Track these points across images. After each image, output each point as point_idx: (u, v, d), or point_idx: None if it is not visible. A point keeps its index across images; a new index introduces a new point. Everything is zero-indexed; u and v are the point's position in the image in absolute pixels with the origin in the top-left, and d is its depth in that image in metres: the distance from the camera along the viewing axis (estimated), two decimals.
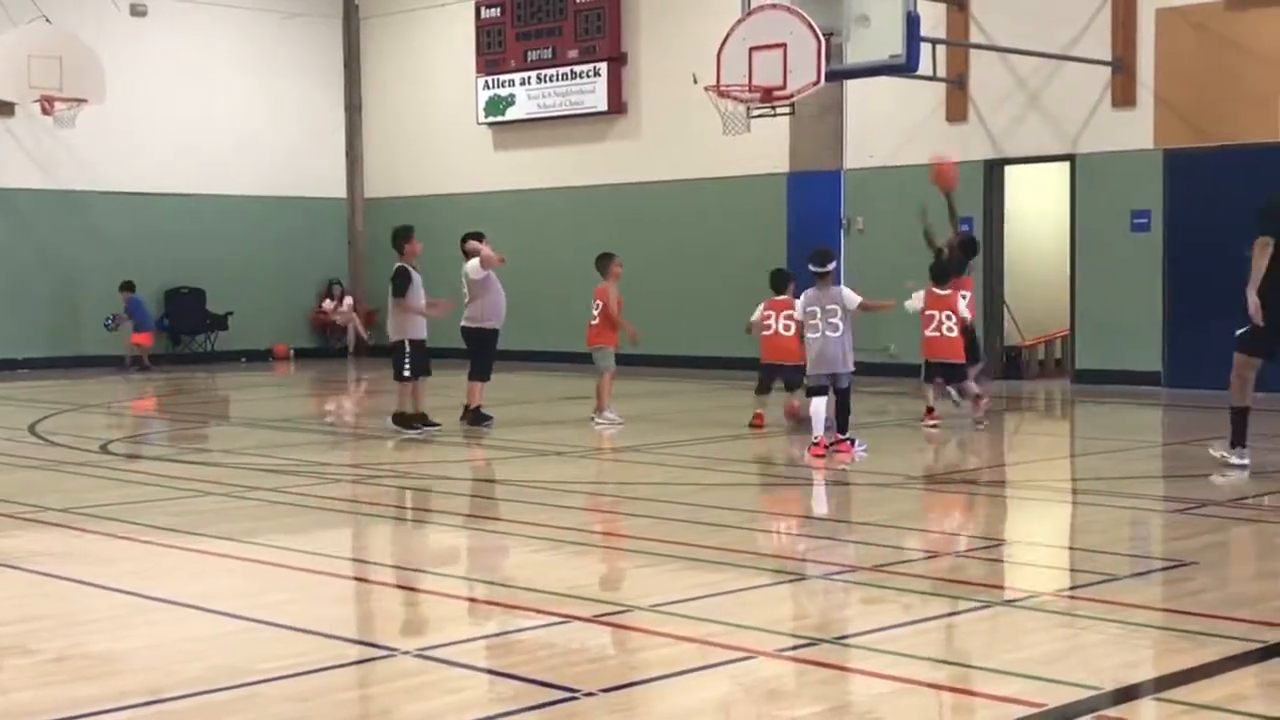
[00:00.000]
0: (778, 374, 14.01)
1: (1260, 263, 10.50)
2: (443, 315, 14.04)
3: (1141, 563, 7.76)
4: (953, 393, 14.40)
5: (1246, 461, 10.56)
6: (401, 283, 13.52)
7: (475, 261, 14.11)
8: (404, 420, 13.62)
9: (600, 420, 14.20)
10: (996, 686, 5.21)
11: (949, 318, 13.89)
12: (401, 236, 13.79)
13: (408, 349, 13.51)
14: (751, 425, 13.76)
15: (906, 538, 8.76)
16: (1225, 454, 10.69)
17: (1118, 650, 5.80)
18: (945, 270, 14.23)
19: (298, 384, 21.91)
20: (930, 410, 13.94)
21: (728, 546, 8.12)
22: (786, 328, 13.65)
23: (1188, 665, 5.51)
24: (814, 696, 5.26)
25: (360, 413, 18.01)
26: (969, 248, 15.19)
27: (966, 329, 14.30)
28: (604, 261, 14.63)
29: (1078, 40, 18.03)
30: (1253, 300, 10.47)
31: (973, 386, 14.21)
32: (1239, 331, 10.75)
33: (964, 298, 14.37)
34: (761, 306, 14.00)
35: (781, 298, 13.82)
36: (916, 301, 14.05)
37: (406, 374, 13.53)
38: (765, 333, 13.94)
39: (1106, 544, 8.17)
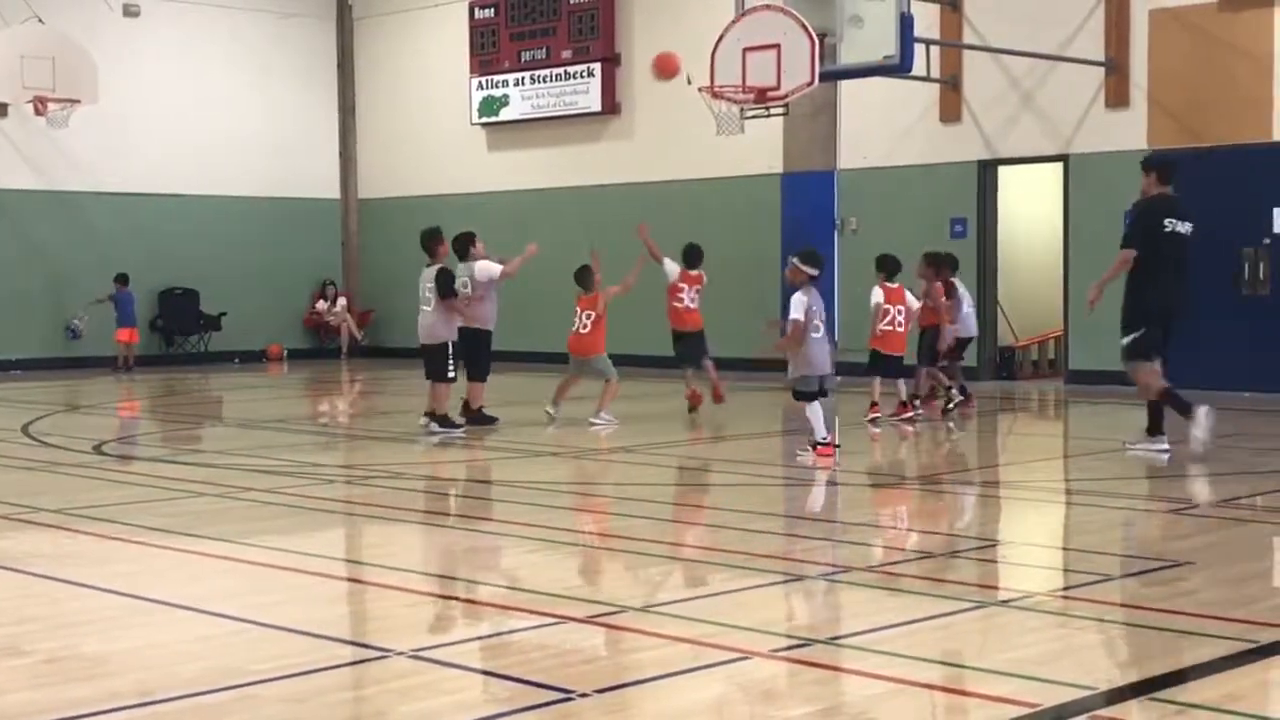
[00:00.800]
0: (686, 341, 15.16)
1: (1116, 272, 11.26)
2: (473, 320, 14.08)
3: (1135, 563, 7.76)
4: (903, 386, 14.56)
5: (1167, 447, 10.69)
6: (449, 283, 13.54)
7: (487, 263, 14.14)
8: (447, 421, 13.64)
9: (596, 421, 14.21)
10: (990, 687, 5.21)
11: (900, 312, 14.22)
12: (433, 238, 13.81)
13: (450, 351, 13.58)
14: (691, 409, 14.81)
15: (900, 538, 8.78)
16: (1146, 445, 10.81)
17: (1111, 650, 5.81)
18: (894, 265, 14.45)
19: (291, 385, 21.89)
20: (875, 404, 14.14)
21: (721, 547, 8.12)
22: (693, 299, 15.10)
23: (1181, 665, 5.52)
24: (808, 697, 5.26)
25: (354, 414, 18.00)
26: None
27: (949, 337, 14.78)
28: (586, 275, 14.59)
29: (1071, 41, 18.04)
30: (1093, 290, 11.28)
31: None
32: (1126, 341, 10.85)
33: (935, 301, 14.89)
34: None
35: (695, 272, 15.12)
36: (876, 296, 14.22)
37: (452, 375, 13.60)
38: (676, 305, 15.11)
39: (1100, 544, 8.18)
